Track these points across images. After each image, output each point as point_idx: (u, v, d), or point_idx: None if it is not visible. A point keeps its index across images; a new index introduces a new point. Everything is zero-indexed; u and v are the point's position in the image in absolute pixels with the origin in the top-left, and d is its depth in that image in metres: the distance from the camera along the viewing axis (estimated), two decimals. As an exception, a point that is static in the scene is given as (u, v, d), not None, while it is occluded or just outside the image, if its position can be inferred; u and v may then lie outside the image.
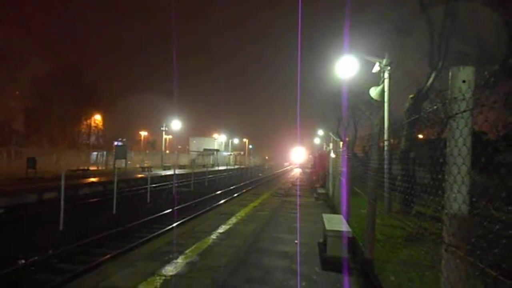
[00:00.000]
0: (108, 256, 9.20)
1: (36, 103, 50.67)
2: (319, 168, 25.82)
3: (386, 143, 9.11)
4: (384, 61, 11.68)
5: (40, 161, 27.77)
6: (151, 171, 33.75)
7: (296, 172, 58.52)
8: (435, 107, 3.92)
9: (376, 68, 12.07)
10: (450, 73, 2.44)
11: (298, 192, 20.67)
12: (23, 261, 8.46)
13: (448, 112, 2.46)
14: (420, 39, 13.01)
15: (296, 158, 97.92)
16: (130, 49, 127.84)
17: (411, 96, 12.05)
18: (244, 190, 27.22)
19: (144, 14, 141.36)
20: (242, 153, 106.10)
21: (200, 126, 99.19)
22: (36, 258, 8.67)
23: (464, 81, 2.36)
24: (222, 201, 20.24)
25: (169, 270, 5.93)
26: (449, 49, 11.61)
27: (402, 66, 13.98)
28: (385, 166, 7.65)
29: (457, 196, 2.34)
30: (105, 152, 43.42)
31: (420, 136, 15.80)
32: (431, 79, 11.63)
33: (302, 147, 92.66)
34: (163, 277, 5.55)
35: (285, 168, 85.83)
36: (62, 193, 12.96)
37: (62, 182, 13.12)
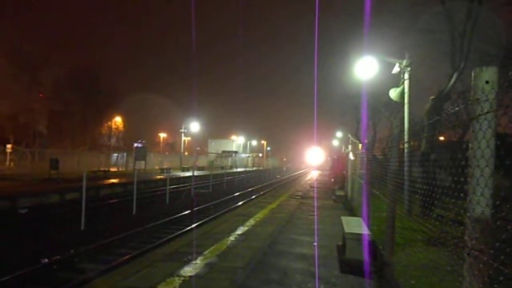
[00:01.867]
0: (127, 256, 9.33)
1: (58, 106, 52.05)
2: (338, 170, 25.63)
3: (406, 145, 8.98)
4: (404, 62, 11.50)
5: (62, 162, 28.31)
6: (170, 173, 34.06)
7: (314, 174, 58.21)
8: (456, 108, 3.83)
9: (396, 69, 11.89)
10: (472, 74, 2.39)
11: (316, 194, 20.53)
12: (45, 260, 8.67)
13: (470, 114, 2.41)
14: (441, 39, 12.78)
15: (314, 160, 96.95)
16: (149, 52, 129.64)
17: (432, 97, 11.84)
18: (262, 192, 27.19)
19: (161, 17, 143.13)
20: (260, 155, 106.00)
21: (219, 128, 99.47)
22: (58, 257, 8.86)
23: (487, 82, 2.31)
24: (240, 203, 20.27)
25: (188, 271, 5.97)
26: (471, 49, 11.36)
27: (422, 67, 13.76)
28: (405, 168, 7.54)
29: (480, 200, 2.29)
30: (125, 154, 43.98)
31: (441, 138, 15.51)
32: (452, 80, 11.39)
33: (320, 149, 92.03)
34: (182, 278, 5.60)
35: (302, 171, 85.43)
36: (84, 193, 13.22)
37: (84, 183, 13.38)
